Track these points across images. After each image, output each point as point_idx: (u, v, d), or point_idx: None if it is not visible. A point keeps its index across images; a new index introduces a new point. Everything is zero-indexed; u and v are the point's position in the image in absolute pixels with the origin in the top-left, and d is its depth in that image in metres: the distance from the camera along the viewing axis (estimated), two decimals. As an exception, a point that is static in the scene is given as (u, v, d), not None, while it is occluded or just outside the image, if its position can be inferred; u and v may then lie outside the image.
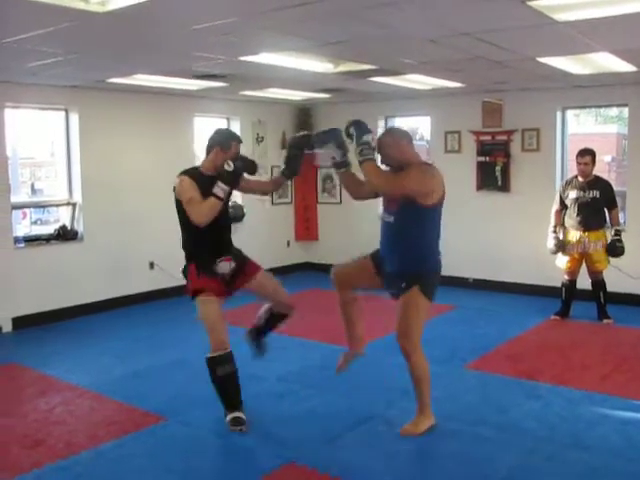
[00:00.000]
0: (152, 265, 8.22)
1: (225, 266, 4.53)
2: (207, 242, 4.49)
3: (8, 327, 7.17)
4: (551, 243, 7.09)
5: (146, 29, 4.57)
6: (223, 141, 4.47)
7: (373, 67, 6.31)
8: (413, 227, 4.18)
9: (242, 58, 5.69)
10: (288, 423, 4.63)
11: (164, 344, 5.82)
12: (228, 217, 4.72)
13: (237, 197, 9.23)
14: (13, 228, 7.43)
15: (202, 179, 4.40)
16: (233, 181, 4.40)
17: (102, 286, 7.74)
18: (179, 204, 4.42)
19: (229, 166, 4.36)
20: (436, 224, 4.28)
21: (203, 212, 4.28)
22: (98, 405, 5.03)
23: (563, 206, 7.09)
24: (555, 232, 7.10)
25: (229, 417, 4.48)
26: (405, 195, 4.11)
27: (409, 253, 4.25)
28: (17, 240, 7.40)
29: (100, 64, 6.08)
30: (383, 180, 4.22)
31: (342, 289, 4.62)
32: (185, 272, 4.58)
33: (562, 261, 7.13)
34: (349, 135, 4.27)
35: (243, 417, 4.48)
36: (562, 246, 7.04)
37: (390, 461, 4.03)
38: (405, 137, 4.33)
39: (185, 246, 4.57)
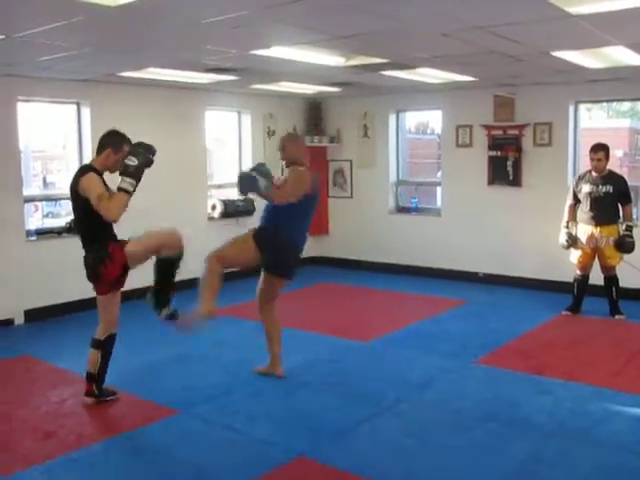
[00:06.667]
0: (162, 258, 8.25)
1: None
2: (107, 227, 4.65)
3: (20, 319, 7.21)
4: (563, 238, 7.05)
5: (157, 23, 4.57)
6: (115, 143, 4.65)
7: (384, 61, 6.28)
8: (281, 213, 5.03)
9: (253, 52, 5.68)
10: (298, 417, 4.65)
11: (174, 337, 5.81)
12: None
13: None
14: (25, 221, 7.47)
15: (101, 177, 4.59)
16: (139, 175, 4.54)
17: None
18: (79, 198, 4.52)
19: (132, 161, 4.50)
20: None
21: (114, 208, 4.39)
22: (109, 398, 5.05)
23: (576, 201, 7.05)
24: (567, 227, 7.06)
25: (168, 311, 4.89)
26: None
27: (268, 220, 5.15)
28: (29, 233, 7.44)
29: (112, 58, 6.09)
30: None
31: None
32: (103, 253, 4.56)
33: (575, 256, 7.10)
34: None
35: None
36: (574, 241, 7.01)
37: (399, 455, 4.03)
38: (301, 141, 5.72)
39: (93, 232, 4.60)
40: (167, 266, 4.75)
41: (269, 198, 5.03)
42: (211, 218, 8.97)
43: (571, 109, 8.24)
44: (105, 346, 4.80)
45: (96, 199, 4.39)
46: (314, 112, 10.21)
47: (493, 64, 6.50)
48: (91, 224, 4.55)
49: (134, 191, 4.53)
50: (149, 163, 4.64)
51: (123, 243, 4.67)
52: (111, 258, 4.57)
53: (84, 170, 4.61)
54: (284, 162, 5.33)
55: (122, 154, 4.60)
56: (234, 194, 9.40)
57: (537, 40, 5.35)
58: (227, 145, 9.99)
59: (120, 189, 4.46)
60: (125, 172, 4.49)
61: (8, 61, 6.07)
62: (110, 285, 4.67)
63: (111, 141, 4.65)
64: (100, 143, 4.69)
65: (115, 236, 4.71)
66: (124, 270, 4.67)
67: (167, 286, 4.83)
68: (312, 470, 3.88)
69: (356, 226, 10.06)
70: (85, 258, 4.66)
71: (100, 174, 4.59)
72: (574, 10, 4.25)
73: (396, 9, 4.21)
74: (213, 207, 9.03)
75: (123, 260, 4.60)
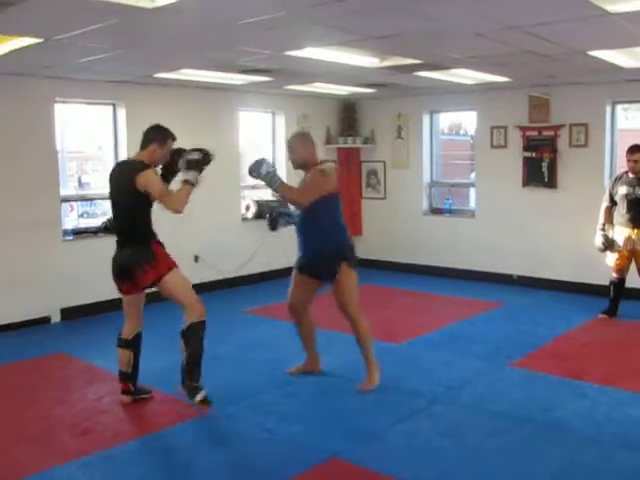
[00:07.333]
0: (197, 259, 8.30)
1: None
2: (151, 224, 4.73)
3: (57, 318, 7.32)
4: (599, 241, 6.96)
5: (193, 24, 4.60)
6: (161, 138, 4.71)
7: (419, 61, 6.26)
8: (318, 216, 4.96)
9: (287, 53, 5.70)
10: (331, 417, 4.64)
11: (208, 336, 5.83)
12: None
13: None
14: (62, 221, 7.58)
15: None
16: (201, 168, 4.65)
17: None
18: (136, 193, 4.50)
19: (193, 155, 4.62)
20: (332, 212, 5.07)
21: (182, 201, 4.52)
22: (144, 396, 5.10)
23: (613, 203, 6.96)
24: (603, 229, 6.97)
25: (202, 396, 4.72)
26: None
27: (323, 237, 5.02)
28: (66, 233, 7.55)
29: (148, 59, 6.15)
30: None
31: (300, 315, 5.31)
32: (148, 256, 4.60)
33: (611, 259, 7.01)
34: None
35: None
36: (610, 244, 6.92)
37: (433, 457, 4.01)
38: (311, 140, 5.19)
39: (139, 230, 4.64)
40: (195, 338, 4.73)
41: (279, 191, 4.92)
42: (245, 219, 9.01)
43: (608, 109, 8.13)
44: (135, 345, 4.85)
45: (161, 192, 4.48)
46: (348, 113, 10.21)
47: (528, 64, 6.44)
48: (140, 222, 4.59)
49: (196, 185, 4.62)
50: (208, 160, 4.71)
51: (170, 262, 4.68)
52: (154, 265, 4.59)
53: (138, 165, 4.59)
54: (293, 164, 5.20)
55: (167, 148, 4.68)
56: (268, 195, 9.44)
57: (573, 39, 5.29)
58: (261, 146, 10.02)
59: (186, 181, 4.55)
60: (189, 166, 4.58)
61: (46, 63, 6.16)
62: (140, 288, 4.70)
63: (156, 135, 4.70)
64: (145, 137, 4.72)
65: (156, 235, 4.74)
66: (158, 280, 4.66)
67: (195, 367, 4.76)
68: (346, 470, 3.87)
69: (390, 227, 10.03)
70: (121, 255, 4.68)
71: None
72: (612, 8, 4.19)
73: (431, 9, 4.20)
74: (247, 208, 9.05)
75: (163, 273, 4.61)
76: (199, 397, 4.68)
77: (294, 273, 5.29)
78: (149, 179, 4.50)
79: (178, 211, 4.52)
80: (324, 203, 4.94)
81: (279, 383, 5.27)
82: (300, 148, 5.10)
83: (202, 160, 4.64)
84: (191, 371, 4.72)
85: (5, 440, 4.34)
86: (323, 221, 5.00)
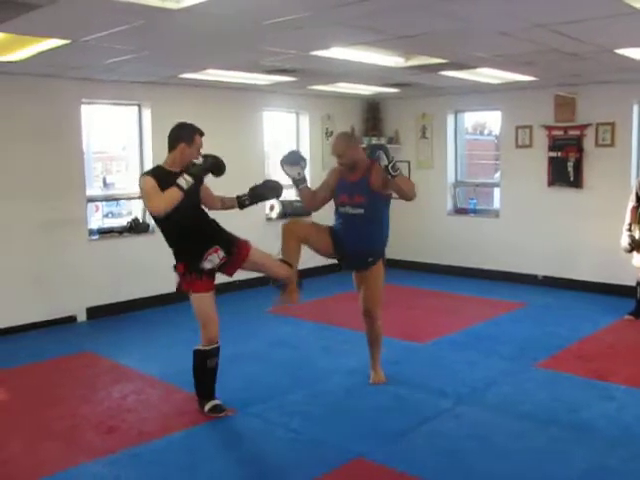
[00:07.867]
0: (221, 258, 8.32)
1: (214, 258, 4.57)
2: (189, 239, 4.52)
3: (83, 317, 7.38)
4: (625, 241, 6.88)
5: (218, 25, 4.61)
6: (188, 135, 4.50)
7: (444, 61, 6.24)
8: (381, 215, 5.07)
9: (313, 53, 5.70)
10: (357, 418, 4.64)
11: (233, 336, 5.87)
12: (202, 210, 4.70)
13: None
14: (88, 221, 7.63)
15: (166, 177, 4.37)
16: (199, 174, 4.41)
17: (173, 278, 7.84)
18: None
19: (198, 160, 4.42)
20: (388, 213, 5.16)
21: (162, 201, 4.25)
22: (169, 395, 5.13)
23: (639, 203, 6.88)
24: (630, 230, 6.90)
25: (210, 405, 4.66)
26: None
27: (378, 235, 5.11)
28: (91, 232, 7.61)
29: (173, 60, 6.18)
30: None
31: (296, 241, 5.22)
32: (176, 269, 4.65)
33: (637, 260, 6.93)
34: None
35: (221, 403, 4.69)
36: (637, 244, 6.84)
37: (459, 457, 3.99)
38: (358, 140, 5.13)
39: (170, 245, 4.60)
40: (199, 365, 4.67)
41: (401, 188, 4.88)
42: (269, 219, 9.03)
43: (635, 108, 8.03)
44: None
45: (146, 194, 4.34)
46: (372, 113, 10.19)
47: (554, 63, 6.39)
48: (165, 231, 4.52)
49: (195, 189, 4.42)
50: (216, 169, 4.51)
51: (189, 285, 4.58)
52: (177, 280, 4.67)
53: (143, 174, 4.54)
54: (344, 166, 4.99)
55: (196, 144, 4.50)
56: (292, 194, 9.46)
57: (601, 37, 5.24)
58: (284, 146, 10.02)
59: (175, 184, 4.27)
60: (187, 170, 4.34)
61: (73, 65, 6.22)
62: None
63: (182, 133, 4.52)
64: (172, 138, 4.52)
65: (193, 252, 4.54)
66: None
67: (200, 386, 4.75)
68: (371, 471, 3.87)
69: (414, 227, 9.98)
70: None
71: (170, 174, 4.40)
72: (641, 6, 4.16)
73: (458, 8, 4.18)
74: (271, 207, 9.09)
75: (185, 290, 4.63)
76: (208, 407, 4.66)
77: (325, 228, 5.16)
78: (141, 186, 4.37)
79: (153, 210, 4.29)
80: (388, 203, 5.09)
81: (304, 383, 5.28)
82: (348, 151, 4.93)
83: (202, 166, 4.41)
84: (197, 387, 4.75)
85: (32, 437, 4.38)
86: (383, 222, 5.12)
